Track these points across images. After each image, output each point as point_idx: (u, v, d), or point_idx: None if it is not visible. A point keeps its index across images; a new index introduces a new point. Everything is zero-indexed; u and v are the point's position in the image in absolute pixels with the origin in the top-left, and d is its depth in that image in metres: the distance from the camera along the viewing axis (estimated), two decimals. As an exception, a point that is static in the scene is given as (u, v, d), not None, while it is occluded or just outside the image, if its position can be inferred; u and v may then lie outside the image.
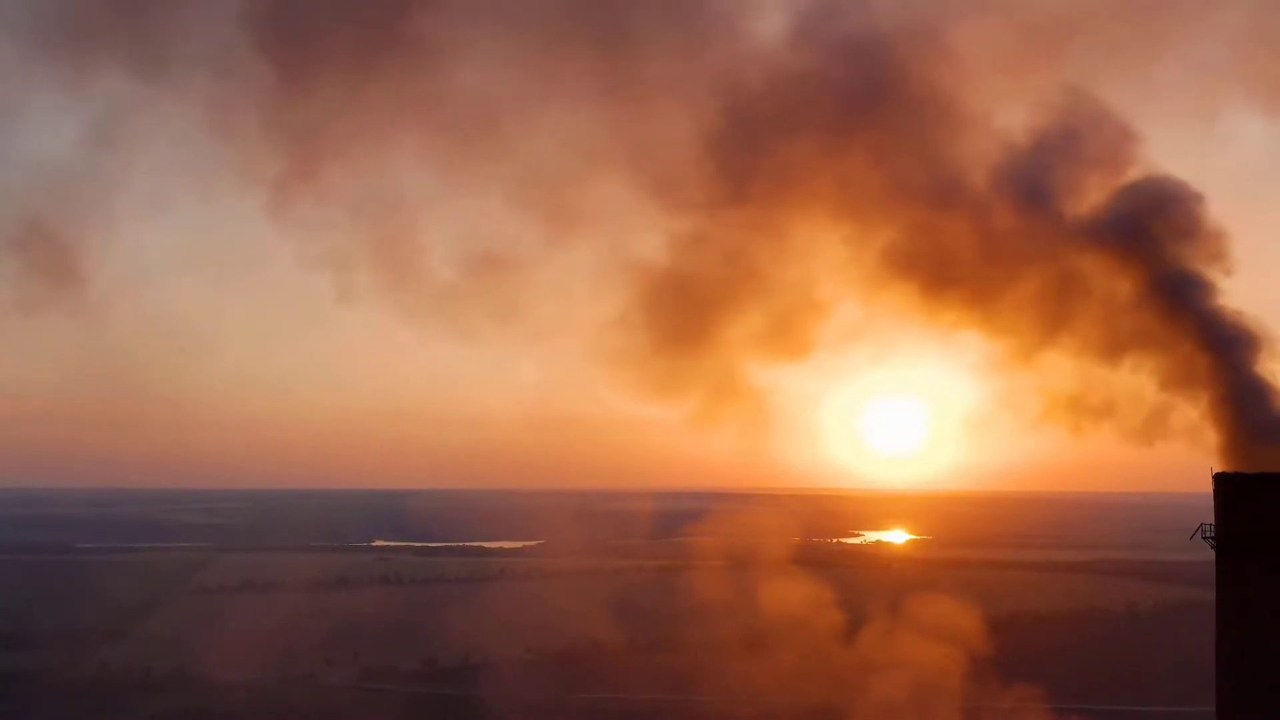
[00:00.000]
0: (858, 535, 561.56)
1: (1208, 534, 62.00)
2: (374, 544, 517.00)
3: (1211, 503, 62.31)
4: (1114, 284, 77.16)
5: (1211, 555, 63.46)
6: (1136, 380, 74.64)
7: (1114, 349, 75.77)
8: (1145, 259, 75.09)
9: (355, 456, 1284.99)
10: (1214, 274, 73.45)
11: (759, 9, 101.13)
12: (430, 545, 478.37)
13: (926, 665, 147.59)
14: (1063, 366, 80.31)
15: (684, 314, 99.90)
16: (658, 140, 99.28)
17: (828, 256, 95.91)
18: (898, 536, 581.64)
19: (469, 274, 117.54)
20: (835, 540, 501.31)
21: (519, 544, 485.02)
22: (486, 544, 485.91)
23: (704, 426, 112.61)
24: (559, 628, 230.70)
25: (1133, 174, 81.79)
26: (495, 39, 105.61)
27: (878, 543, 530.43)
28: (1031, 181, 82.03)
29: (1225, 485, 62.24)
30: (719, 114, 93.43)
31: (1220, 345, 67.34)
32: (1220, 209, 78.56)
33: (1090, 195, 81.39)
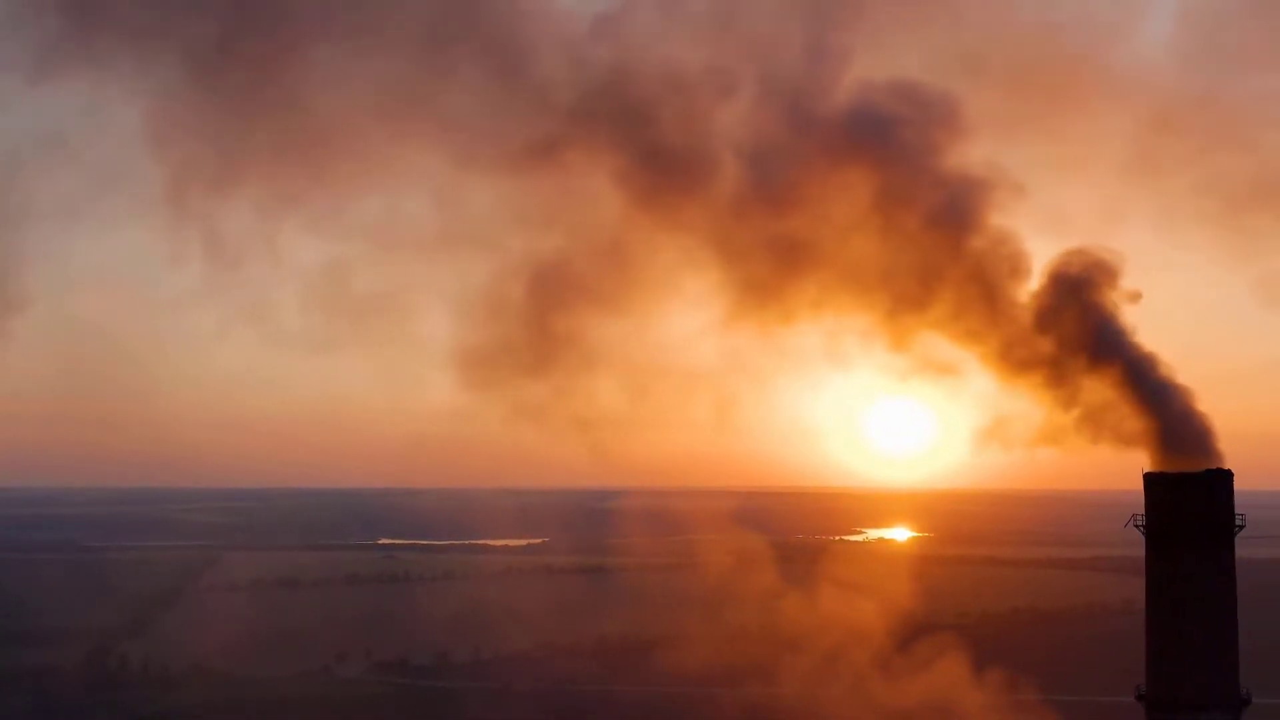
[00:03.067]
0: (860, 532, 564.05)
1: (1139, 523, 72.04)
2: (379, 541, 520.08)
3: (1144, 497, 72.95)
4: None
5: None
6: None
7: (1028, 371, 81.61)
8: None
9: (350, 455, 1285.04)
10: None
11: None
12: (436, 543, 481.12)
13: (927, 661, 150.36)
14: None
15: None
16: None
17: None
18: (900, 534, 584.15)
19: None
20: (838, 537, 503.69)
21: (523, 541, 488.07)
22: (491, 542, 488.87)
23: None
24: (566, 623, 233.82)
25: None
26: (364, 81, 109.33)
27: (880, 540, 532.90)
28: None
29: (1153, 482, 72.40)
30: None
31: (1145, 383, 76.29)
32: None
33: None
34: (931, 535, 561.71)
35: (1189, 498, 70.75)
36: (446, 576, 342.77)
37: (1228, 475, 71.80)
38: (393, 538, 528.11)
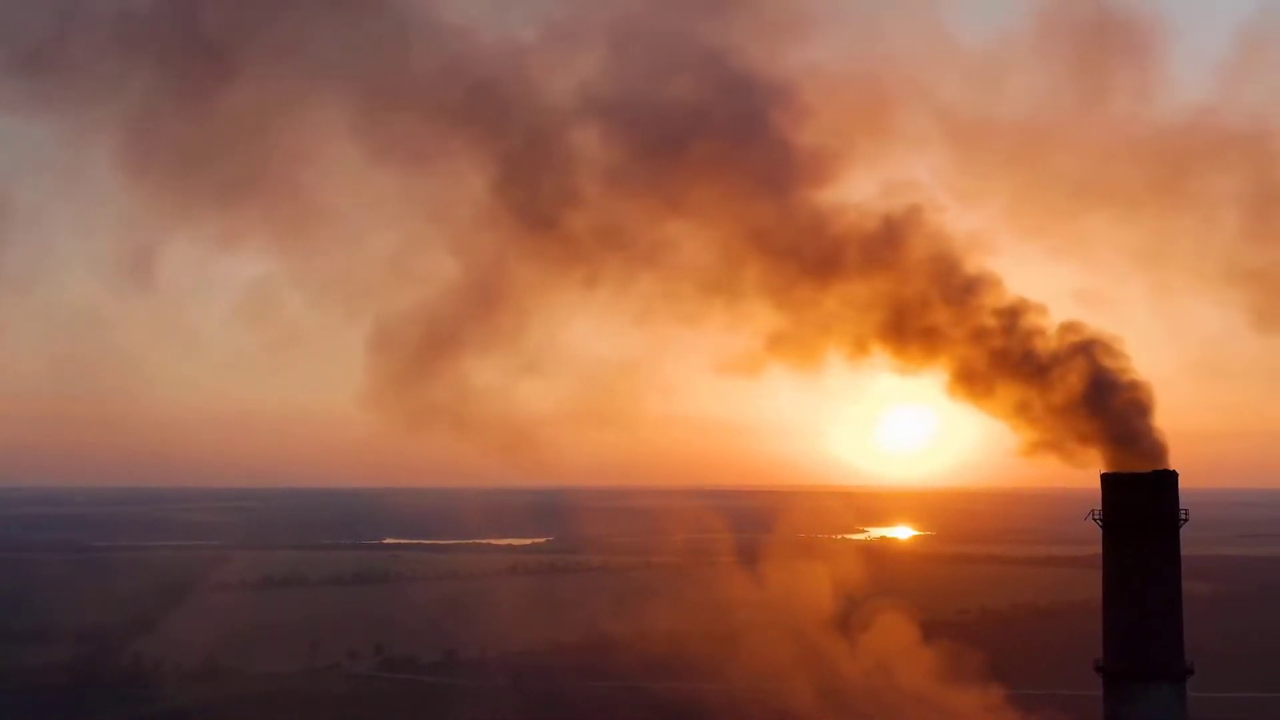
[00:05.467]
0: (863, 531, 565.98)
1: (1097, 517, 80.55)
2: (384, 541, 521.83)
3: (1100, 495, 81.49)
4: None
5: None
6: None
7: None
8: None
9: (351, 455, 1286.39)
10: None
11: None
12: (440, 542, 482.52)
13: (926, 656, 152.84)
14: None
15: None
16: None
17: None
18: (902, 532, 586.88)
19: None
20: (840, 536, 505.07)
21: (527, 540, 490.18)
22: (495, 540, 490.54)
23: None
24: (572, 620, 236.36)
25: None
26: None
27: (883, 538, 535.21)
28: None
29: (1109, 481, 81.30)
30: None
31: (1096, 394, 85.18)
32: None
33: None
34: (933, 534, 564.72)
35: (1140, 495, 79.65)
36: (452, 575, 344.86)
37: (1173, 475, 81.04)
38: (397, 537, 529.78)
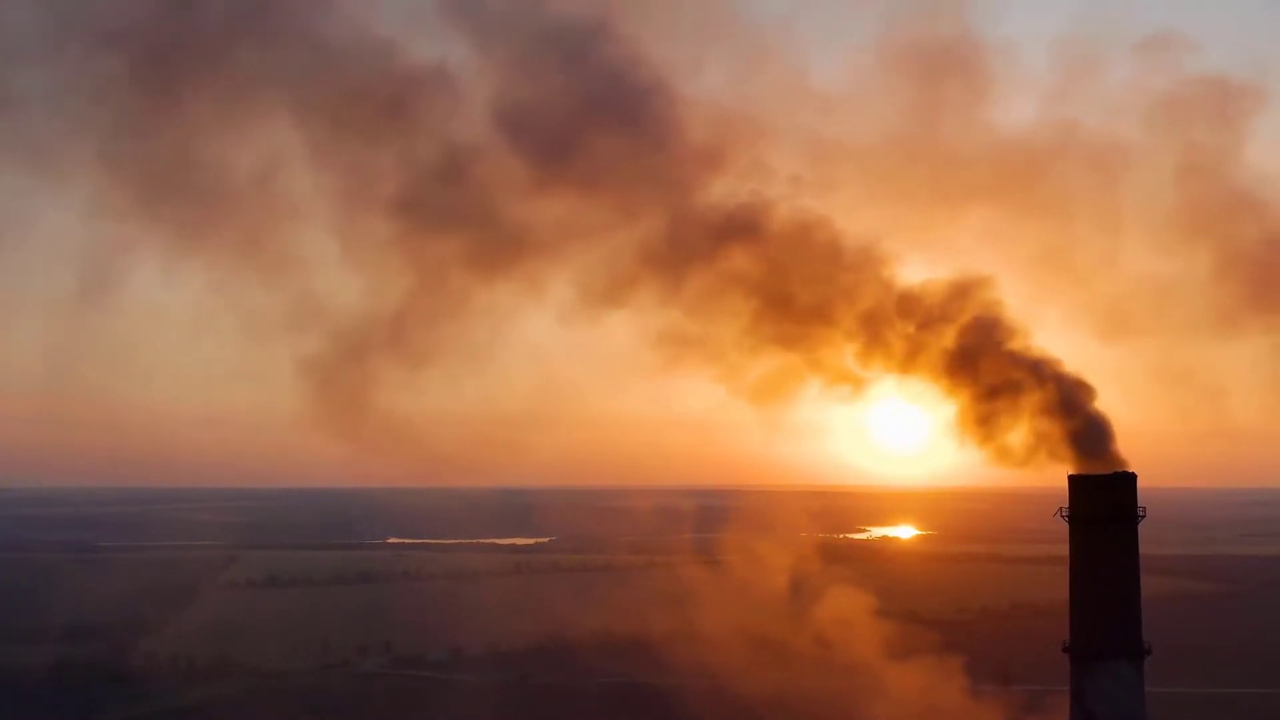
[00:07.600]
0: (864, 530, 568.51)
1: (1064, 514, 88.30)
2: (388, 540, 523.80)
3: (1068, 494, 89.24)
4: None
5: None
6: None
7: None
8: None
9: (351, 455, 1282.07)
10: None
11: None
12: (443, 541, 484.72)
13: (927, 655, 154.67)
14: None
15: None
16: None
17: None
18: (904, 531, 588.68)
19: None
20: (842, 535, 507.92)
21: (529, 540, 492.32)
22: (497, 540, 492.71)
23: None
24: (577, 619, 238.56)
25: None
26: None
27: (884, 538, 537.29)
28: None
29: (1075, 482, 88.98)
30: None
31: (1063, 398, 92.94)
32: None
33: None
34: (935, 533, 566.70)
35: (1102, 494, 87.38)
36: (456, 574, 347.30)
37: (1132, 476, 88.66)
38: (400, 536, 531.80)
